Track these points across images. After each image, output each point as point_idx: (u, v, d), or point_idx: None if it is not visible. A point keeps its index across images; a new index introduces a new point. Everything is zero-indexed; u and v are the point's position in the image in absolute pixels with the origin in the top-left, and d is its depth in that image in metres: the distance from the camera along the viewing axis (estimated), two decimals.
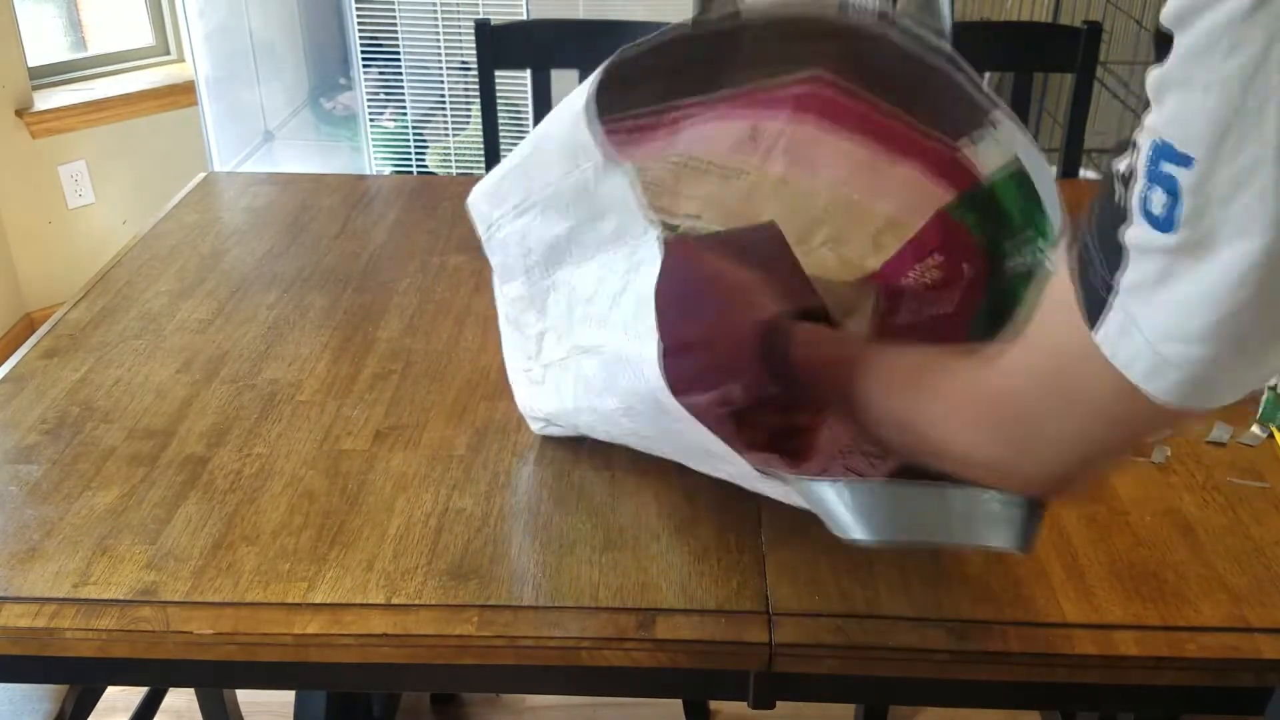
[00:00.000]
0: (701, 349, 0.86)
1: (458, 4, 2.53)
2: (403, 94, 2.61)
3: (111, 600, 0.82)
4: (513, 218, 0.86)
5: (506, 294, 0.95)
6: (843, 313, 1.00)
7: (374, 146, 2.68)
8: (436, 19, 2.55)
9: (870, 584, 0.84)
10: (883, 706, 1.60)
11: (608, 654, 0.80)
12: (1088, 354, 0.47)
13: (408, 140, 2.68)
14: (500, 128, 1.79)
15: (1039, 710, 1.59)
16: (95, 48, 2.98)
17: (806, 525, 0.75)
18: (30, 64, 2.73)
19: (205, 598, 0.83)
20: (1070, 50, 1.70)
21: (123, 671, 0.86)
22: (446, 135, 2.68)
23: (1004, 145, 0.84)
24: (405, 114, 2.64)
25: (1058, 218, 0.80)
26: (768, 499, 0.83)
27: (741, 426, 0.88)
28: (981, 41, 1.76)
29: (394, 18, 2.54)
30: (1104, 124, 2.94)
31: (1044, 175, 0.82)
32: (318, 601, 0.82)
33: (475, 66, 1.76)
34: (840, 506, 0.68)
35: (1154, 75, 0.41)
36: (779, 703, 0.85)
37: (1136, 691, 0.82)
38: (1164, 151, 0.40)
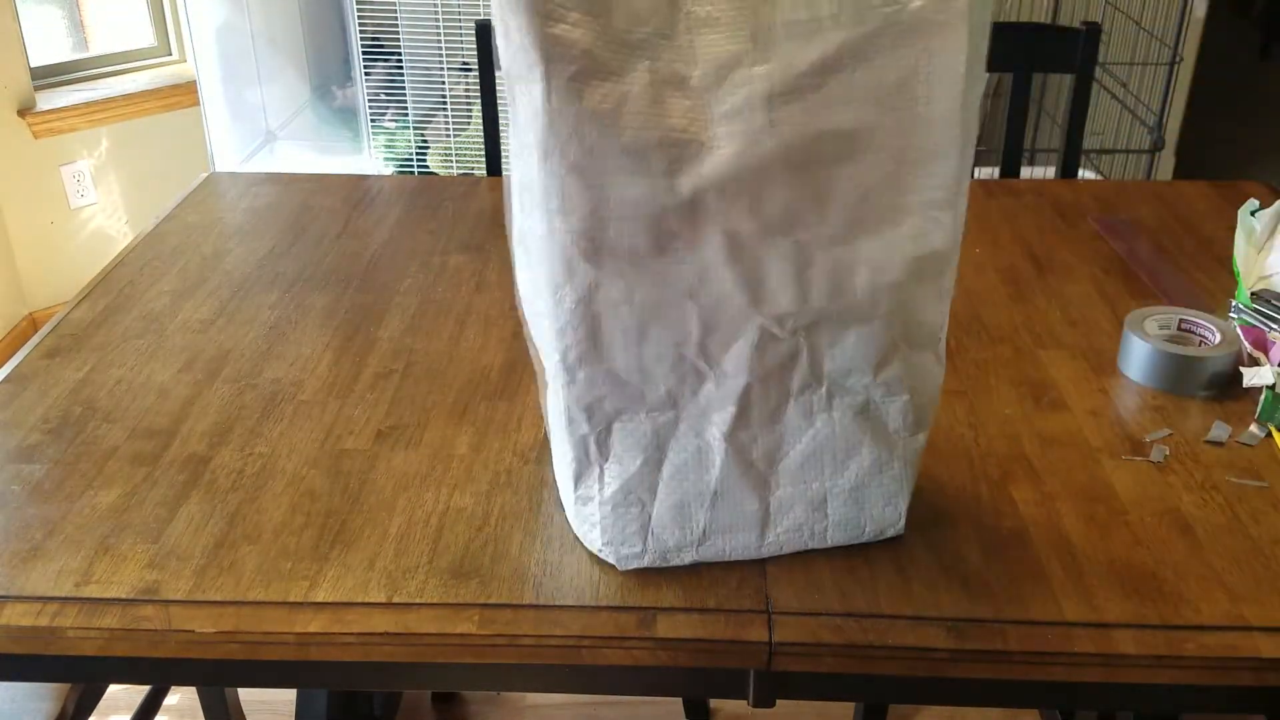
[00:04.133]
0: None
1: (458, 4, 2.53)
2: (404, 94, 2.61)
3: (113, 599, 0.83)
4: None
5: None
6: None
7: (375, 147, 2.68)
8: (437, 19, 2.55)
9: (870, 583, 0.84)
10: (882, 705, 1.60)
11: (608, 652, 0.80)
12: None
13: (409, 140, 2.69)
14: (501, 128, 1.80)
15: (1038, 709, 1.59)
16: (97, 48, 2.99)
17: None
18: (32, 64, 2.74)
19: (207, 596, 0.83)
20: (1069, 51, 1.70)
21: (124, 670, 0.86)
22: (448, 135, 2.68)
23: None
24: (406, 114, 2.65)
25: None
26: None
27: None
28: None
29: (395, 18, 2.54)
30: (1103, 124, 2.94)
31: None
32: (319, 600, 0.83)
33: (476, 67, 1.77)
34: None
35: None
36: (779, 701, 0.85)
37: (1135, 690, 0.82)
38: None
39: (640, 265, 0.77)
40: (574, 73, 0.72)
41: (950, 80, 0.74)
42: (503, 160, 0.81)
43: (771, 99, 0.73)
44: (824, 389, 0.82)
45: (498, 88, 1.78)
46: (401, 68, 2.59)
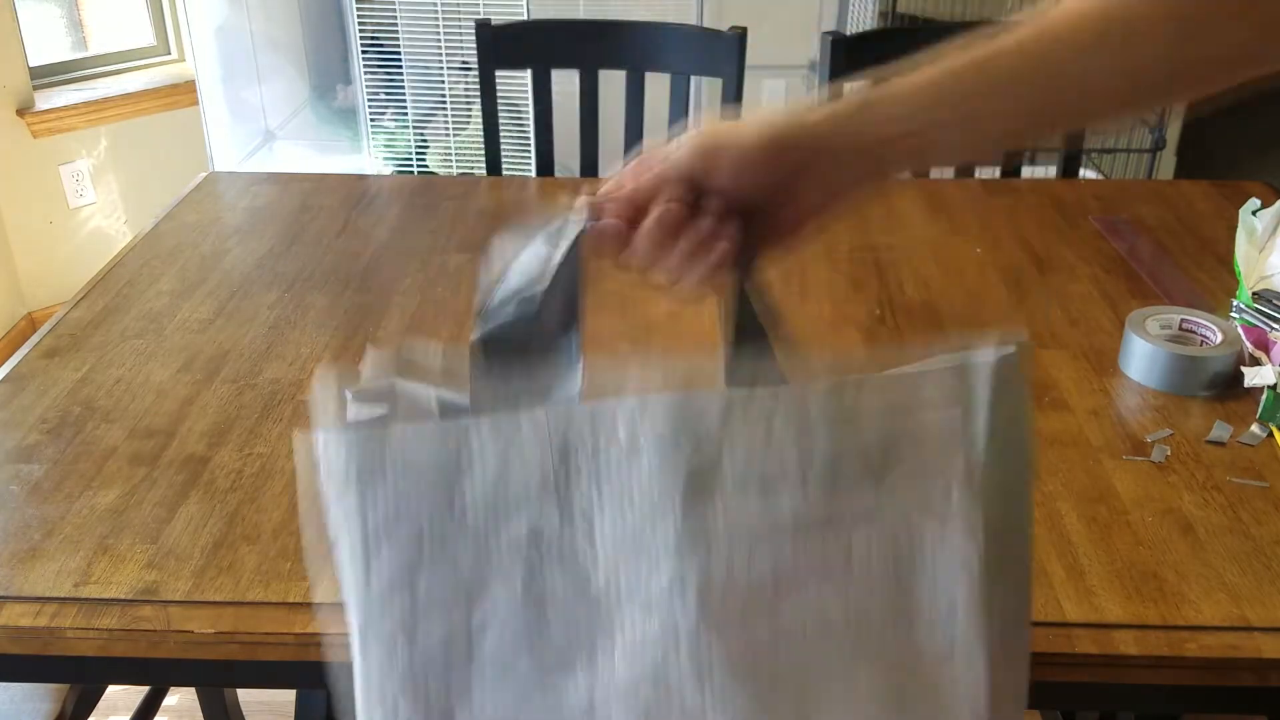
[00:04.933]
0: None
1: (458, 4, 2.53)
2: (403, 94, 2.61)
3: (112, 599, 0.82)
4: None
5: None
6: None
7: (375, 146, 2.68)
8: (437, 19, 2.55)
9: None
10: None
11: None
12: None
13: (408, 140, 2.68)
14: (501, 127, 1.79)
15: (1039, 710, 1.59)
16: (96, 47, 2.99)
17: None
18: (31, 64, 2.74)
19: (206, 597, 0.83)
20: None
21: (123, 671, 0.86)
22: (447, 135, 2.68)
23: None
24: (406, 114, 2.64)
25: None
26: None
27: None
28: None
29: (394, 18, 2.54)
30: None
31: None
32: (319, 601, 0.82)
33: (476, 66, 1.76)
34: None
35: None
36: None
37: (1136, 691, 0.82)
38: None
39: None
40: (420, 595, 0.53)
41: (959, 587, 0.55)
42: None
43: (707, 595, 0.52)
44: None
45: (497, 87, 1.78)
46: (401, 67, 2.58)
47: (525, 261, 0.58)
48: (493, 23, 1.75)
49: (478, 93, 1.78)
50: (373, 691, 0.54)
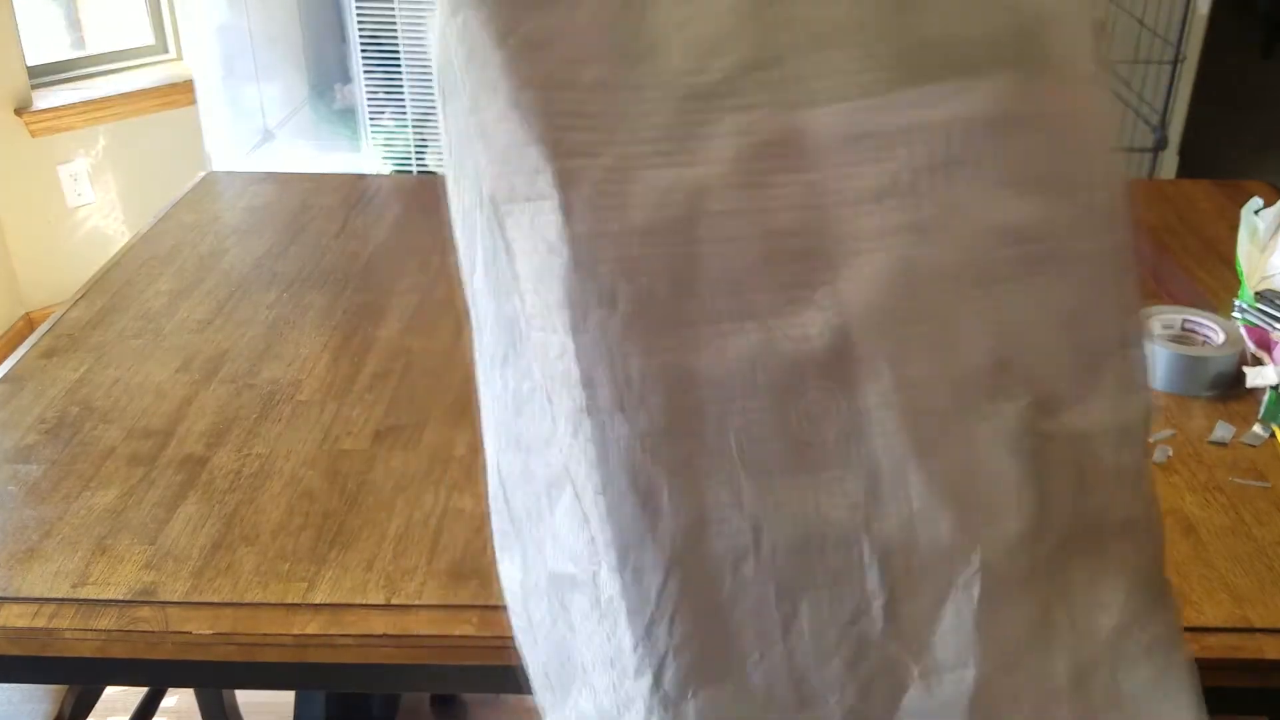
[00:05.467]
0: None
1: None
2: (403, 93, 2.61)
3: (110, 600, 0.82)
4: None
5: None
6: None
7: (374, 145, 2.68)
8: None
9: None
10: None
11: None
12: None
13: (408, 139, 2.68)
14: None
15: None
16: (94, 46, 2.98)
17: None
18: (29, 63, 2.73)
19: (204, 598, 0.82)
20: None
21: (122, 672, 0.86)
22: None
23: None
24: (405, 113, 2.64)
25: None
26: None
27: None
28: None
29: (394, 17, 2.53)
30: None
31: None
32: (317, 602, 0.82)
33: None
34: None
35: None
36: None
37: None
38: None
39: (768, 480, 0.46)
40: (614, 163, 0.44)
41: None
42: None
43: (936, 169, 0.45)
44: (1108, 667, 0.51)
45: None
46: (400, 66, 2.58)
47: None
48: None
49: None
50: (601, 366, 0.45)
